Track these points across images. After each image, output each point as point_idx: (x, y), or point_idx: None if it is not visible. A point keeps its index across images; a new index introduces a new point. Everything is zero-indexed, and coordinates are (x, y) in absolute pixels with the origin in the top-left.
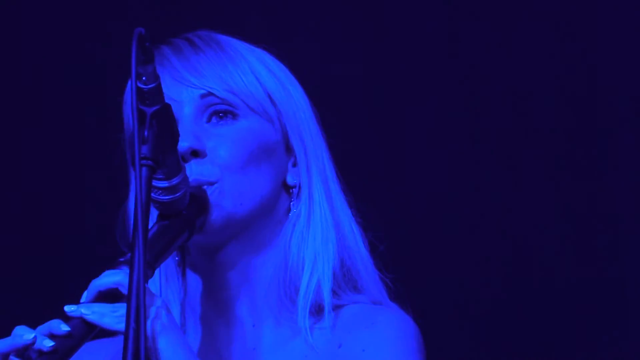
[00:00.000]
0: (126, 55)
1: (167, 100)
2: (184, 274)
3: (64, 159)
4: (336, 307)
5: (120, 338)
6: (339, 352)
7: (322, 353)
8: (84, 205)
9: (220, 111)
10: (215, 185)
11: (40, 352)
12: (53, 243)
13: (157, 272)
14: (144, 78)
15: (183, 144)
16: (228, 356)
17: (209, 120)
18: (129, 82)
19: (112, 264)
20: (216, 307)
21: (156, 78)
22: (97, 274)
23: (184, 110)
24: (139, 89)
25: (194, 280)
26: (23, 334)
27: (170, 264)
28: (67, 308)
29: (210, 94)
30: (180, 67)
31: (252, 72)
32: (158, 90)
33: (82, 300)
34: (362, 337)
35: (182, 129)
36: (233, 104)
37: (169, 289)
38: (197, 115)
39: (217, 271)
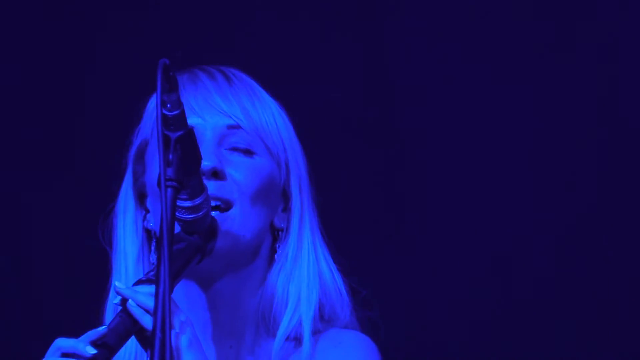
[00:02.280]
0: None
1: (191, 119)
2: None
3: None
4: (316, 333)
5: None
6: None
7: None
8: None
9: (241, 148)
10: (231, 210)
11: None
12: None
13: None
14: (168, 105)
15: (207, 163)
16: None
17: (228, 148)
18: (154, 94)
19: (140, 279)
20: (199, 325)
21: (180, 105)
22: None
23: (206, 133)
24: (164, 116)
25: (186, 298)
26: (84, 351)
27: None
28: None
29: (238, 126)
30: (213, 91)
31: (274, 118)
32: (182, 116)
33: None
34: (330, 354)
35: (204, 149)
36: (254, 141)
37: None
38: (219, 141)
39: (205, 295)
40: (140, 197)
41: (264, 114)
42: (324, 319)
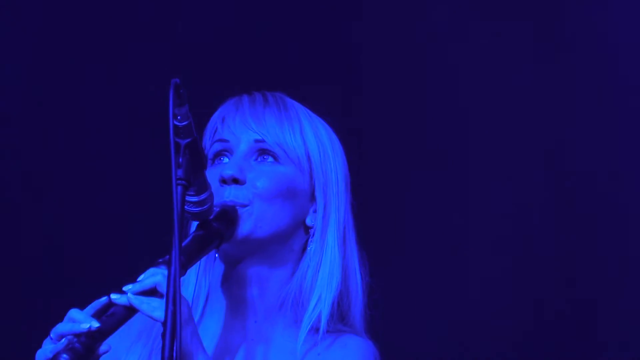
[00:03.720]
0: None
1: (228, 133)
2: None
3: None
4: (323, 331)
5: (140, 316)
6: (318, 358)
7: (304, 355)
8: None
9: (266, 152)
10: (247, 207)
11: (89, 331)
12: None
13: (195, 268)
14: (179, 117)
15: (227, 172)
16: (230, 340)
17: (256, 158)
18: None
19: (153, 264)
20: (230, 300)
21: (188, 117)
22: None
23: (240, 146)
24: (175, 126)
25: (220, 277)
26: (81, 321)
27: (210, 261)
28: (113, 296)
29: (262, 140)
30: (248, 114)
31: (300, 133)
32: (190, 126)
33: (124, 289)
34: (335, 353)
35: (233, 160)
36: (277, 151)
37: (204, 278)
38: (248, 152)
39: (235, 274)
40: None
41: (289, 131)
42: (342, 317)
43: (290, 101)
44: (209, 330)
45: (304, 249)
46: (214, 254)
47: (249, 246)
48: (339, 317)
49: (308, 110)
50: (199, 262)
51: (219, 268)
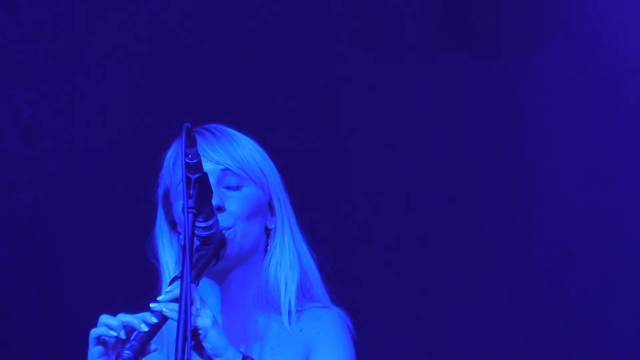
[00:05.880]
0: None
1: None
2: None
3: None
4: (300, 310)
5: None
6: (301, 335)
7: (290, 334)
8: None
9: (231, 182)
10: (231, 229)
11: (129, 337)
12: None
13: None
14: (190, 156)
15: (213, 202)
16: (231, 337)
17: (225, 186)
18: (165, 156)
19: (173, 279)
20: (225, 302)
21: (197, 156)
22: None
23: (210, 178)
24: (187, 163)
25: (210, 287)
26: (111, 327)
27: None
28: (152, 305)
29: (227, 169)
30: (208, 149)
31: (252, 156)
32: (199, 164)
33: (158, 299)
34: (315, 325)
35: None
36: (241, 176)
37: (209, 288)
38: (218, 182)
39: (226, 282)
40: (172, 225)
41: (245, 157)
42: (305, 296)
43: (230, 130)
44: None
45: (266, 247)
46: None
47: (236, 259)
48: (308, 296)
49: (243, 134)
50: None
51: (204, 283)
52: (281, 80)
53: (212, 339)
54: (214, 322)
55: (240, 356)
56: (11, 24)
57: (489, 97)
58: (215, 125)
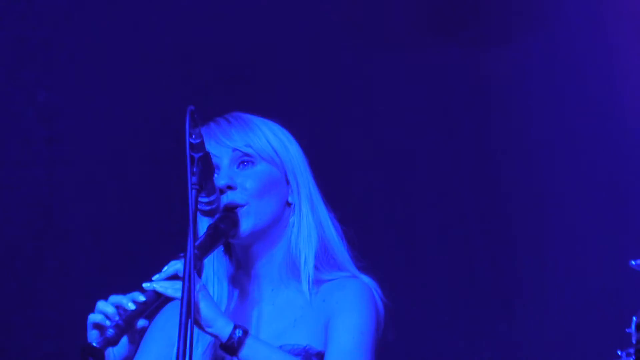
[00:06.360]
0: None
1: (212, 155)
2: (231, 259)
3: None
4: (324, 281)
5: (175, 303)
6: (324, 305)
7: (313, 306)
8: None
9: (244, 160)
10: (245, 207)
11: (124, 310)
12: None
13: (210, 259)
14: (193, 136)
15: (222, 182)
16: (257, 310)
17: (238, 166)
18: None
19: (175, 257)
20: (249, 278)
21: (200, 136)
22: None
23: (223, 160)
24: (190, 143)
25: (238, 262)
26: (122, 302)
27: (222, 255)
28: (144, 284)
29: (237, 149)
30: (220, 135)
31: (264, 136)
32: (202, 144)
33: (153, 278)
34: (337, 295)
35: (222, 172)
36: (251, 155)
37: (221, 268)
38: (231, 163)
39: (249, 257)
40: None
41: (255, 137)
42: (331, 266)
43: (246, 115)
44: (239, 305)
45: (287, 223)
46: (222, 250)
47: (254, 236)
48: (335, 267)
49: (261, 117)
50: (213, 260)
51: (235, 257)
52: (272, 73)
53: (202, 310)
54: (204, 294)
55: (232, 325)
56: (28, 12)
57: (474, 86)
58: (233, 113)
